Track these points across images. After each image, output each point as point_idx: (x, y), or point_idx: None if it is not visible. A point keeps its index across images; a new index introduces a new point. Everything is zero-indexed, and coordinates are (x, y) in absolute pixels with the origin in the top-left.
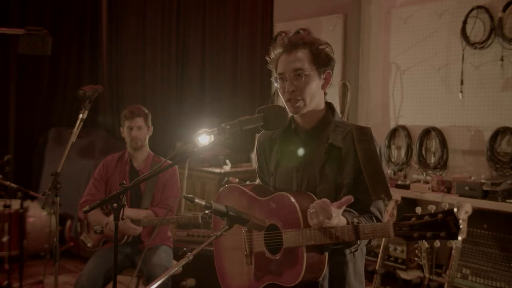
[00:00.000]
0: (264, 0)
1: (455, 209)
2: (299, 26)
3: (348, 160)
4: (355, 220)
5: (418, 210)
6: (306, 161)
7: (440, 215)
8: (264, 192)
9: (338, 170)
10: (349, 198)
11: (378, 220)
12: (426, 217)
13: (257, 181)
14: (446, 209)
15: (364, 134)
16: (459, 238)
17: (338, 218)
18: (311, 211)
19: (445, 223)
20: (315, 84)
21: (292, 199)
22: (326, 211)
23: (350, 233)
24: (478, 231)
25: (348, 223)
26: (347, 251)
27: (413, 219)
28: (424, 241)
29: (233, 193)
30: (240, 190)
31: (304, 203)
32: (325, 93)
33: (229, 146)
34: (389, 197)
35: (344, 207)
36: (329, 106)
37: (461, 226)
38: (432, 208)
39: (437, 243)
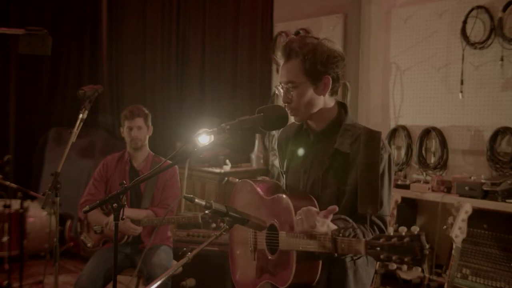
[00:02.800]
0: (264, 0)
1: (422, 236)
2: (299, 26)
3: (353, 166)
4: (336, 233)
5: (391, 230)
6: (313, 163)
7: (406, 239)
8: (274, 191)
9: (342, 176)
10: (334, 208)
11: (381, 231)
12: (394, 240)
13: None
14: (415, 233)
15: (372, 139)
16: (424, 266)
17: (325, 226)
18: (297, 218)
19: (410, 248)
20: (310, 92)
21: (289, 202)
22: (310, 220)
23: (330, 245)
24: (478, 231)
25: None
26: (347, 258)
27: (383, 239)
28: (392, 263)
29: (243, 188)
30: (251, 186)
31: (301, 207)
32: (335, 93)
33: (229, 146)
34: (375, 211)
35: (331, 216)
36: (342, 106)
37: (426, 253)
38: (403, 230)
39: (404, 267)
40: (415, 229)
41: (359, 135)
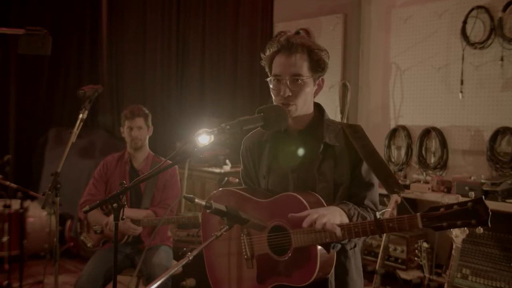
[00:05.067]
0: (264, 0)
1: (482, 198)
2: (299, 26)
3: (344, 158)
4: (369, 215)
5: (445, 199)
6: (302, 161)
7: (470, 204)
8: (262, 194)
9: (335, 168)
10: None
11: (374, 212)
12: (456, 207)
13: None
14: (473, 197)
15: (356, 131)
16: (482, 230)
17: (331, 212)
18: (314, 217)
19: (475, 211)
20: (309, 90)
21: (302, 199)
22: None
23: (372, 228)
24: None
25: (346, 213)
26: (348, 246)
27: (442, 209)
28: (451, 230)
29: (227, 196)
30: (236, 194)
31: (312, 202)
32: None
33: (229, 146)
34: (401, 189)
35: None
36: (318, 106)
37: (490, 213)
38: (458, 197)
39: (466, 231)
40: (472, 194)
41: (340, 129)
